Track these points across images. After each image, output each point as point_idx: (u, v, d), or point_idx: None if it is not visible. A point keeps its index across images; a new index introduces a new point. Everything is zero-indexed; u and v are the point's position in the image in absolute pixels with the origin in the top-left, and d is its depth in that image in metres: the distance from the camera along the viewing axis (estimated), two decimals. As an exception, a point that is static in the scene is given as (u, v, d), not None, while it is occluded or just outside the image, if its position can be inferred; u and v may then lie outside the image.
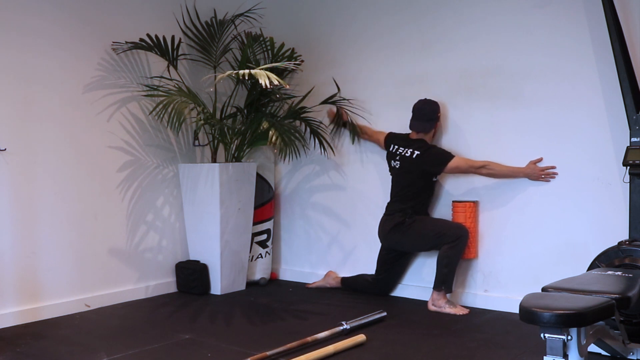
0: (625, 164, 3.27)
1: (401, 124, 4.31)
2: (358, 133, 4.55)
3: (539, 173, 3.84)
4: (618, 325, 2.77)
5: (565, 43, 3.73)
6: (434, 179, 4.16)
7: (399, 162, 4.20)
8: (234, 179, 4.46)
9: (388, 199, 4.31)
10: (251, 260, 4.81)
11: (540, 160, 3.86)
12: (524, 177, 3.89)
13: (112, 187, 4.28)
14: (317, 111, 4.78)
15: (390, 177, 4.32)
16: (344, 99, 4.60)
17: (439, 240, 3.98)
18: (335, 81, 4.67)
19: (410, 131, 4.23)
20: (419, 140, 4.15)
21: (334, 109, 4.63)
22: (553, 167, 3.81)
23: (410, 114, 4.18)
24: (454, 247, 3.93)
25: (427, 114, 4.12)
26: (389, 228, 4.18)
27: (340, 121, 4.61)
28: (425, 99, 4.17)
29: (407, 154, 4.14)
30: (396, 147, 4.24)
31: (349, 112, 4.59)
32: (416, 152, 4.10)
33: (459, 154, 4.10)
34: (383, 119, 4.51)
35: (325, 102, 4.63)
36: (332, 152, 4.76)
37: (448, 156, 4.03)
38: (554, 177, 3.81)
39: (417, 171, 4.11)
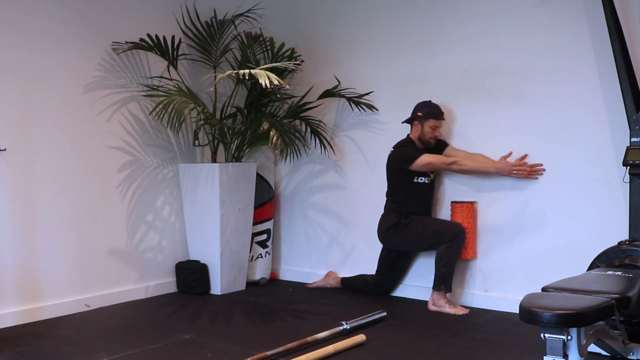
0: (625, 164, 3.27)
1: (401, 124, 4.30)
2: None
3: (510, 168, 3.84)
4: (618, 325, 2.77)
5: (565, 43, 3.73)
6: (419, 180, 4.13)
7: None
8: (234, 179, 4.46)
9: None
10: (251, 260, 4.81)
11: (510, 155, 3.90)
12: (495, 172, 3.90)
13: (112, 187, 4.28)
14: (318, 109, 4.79)
15: None
16: (345, 89, 4.61)
17: (436, 239, 3.98)
18: (336, 78, 4.67)
19: None
20: (401, 140, 4.22)
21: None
22: (524, 162, 3.83)
23: (410, 114, 4.19)
24: (452, 246, 3.93)
25: (412, 111, 4.20)
26: (385, 228, 4.20)
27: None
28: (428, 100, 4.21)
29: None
30: None
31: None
32: (390, 151, 4.21)
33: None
34: (383, 119, 4.51)
35: (325, 94, 4.63)
36: (332, 151, 4.76)
37: (415, 154, 4.05)
38: (524, 173, 3.82)
39: (389, 169, 4.22)
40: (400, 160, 4.12)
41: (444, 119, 4.12)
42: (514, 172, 3.84)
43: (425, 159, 4.03)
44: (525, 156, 3.87)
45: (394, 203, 4.23)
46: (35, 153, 3.87)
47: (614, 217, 3.56)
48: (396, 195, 4.22)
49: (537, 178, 3.84)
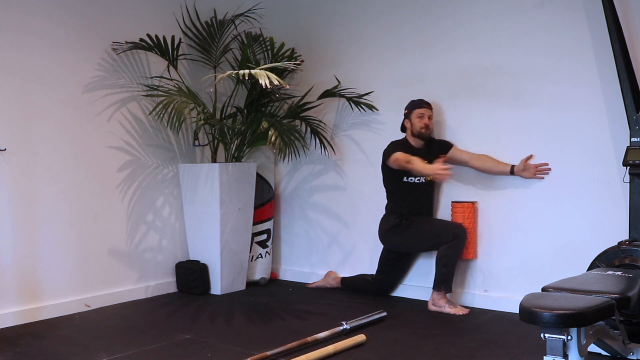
0: (625, 164, 3.27)
1: (400, 124, 4.30)
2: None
3: (434, 169, 3.78)
4: (618, 325, 2.77)
5: (565, 43, 3.73)
6: (410, 180, 4.13)
7: None
8: (234, 179, 4.46)
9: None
10: (251, 260, 4.81)
11: (444, 158, 3.99)
12: (427, 173, 3.91)
13: (112, 187, 4.28)
14: (318, 109, 4.79)
15: None
16: (345, 89, 4.61)
17: (436, 240, 3.98)
18: (336, 78, 4.67)
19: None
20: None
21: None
22: (450, 167, 3.83)
23: None
24: (452, 246, 3.92)
25: None
26: (386, 229, 4.21)
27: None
28: None
29: None
30: None
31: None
32: None
33: (459, 154, 4.13)
34: (383, 119, 4.51)
35: (325, 94, 4.63)
36: (333, 151, 4.76)
37: (392, 150, 4.08)
38: (447, 178, 3.84)
39: (381, 168, 4.24)
40: (383, 157, 4.16)
41: (429, 107, 4.13)
42: (436, 175, 3.80)
43: (395, 155, 4.03)
44: (530, 157, 3.86)
45: (392, 203, 4.24)
46: (35, 153, 3.87)
47: (614, 217, 3.56)
48: (392, 195, 4.24)
49: (542, 178, 3.83)
